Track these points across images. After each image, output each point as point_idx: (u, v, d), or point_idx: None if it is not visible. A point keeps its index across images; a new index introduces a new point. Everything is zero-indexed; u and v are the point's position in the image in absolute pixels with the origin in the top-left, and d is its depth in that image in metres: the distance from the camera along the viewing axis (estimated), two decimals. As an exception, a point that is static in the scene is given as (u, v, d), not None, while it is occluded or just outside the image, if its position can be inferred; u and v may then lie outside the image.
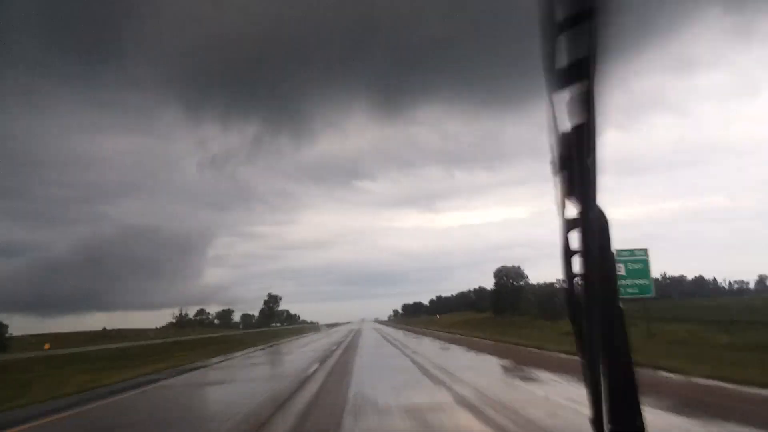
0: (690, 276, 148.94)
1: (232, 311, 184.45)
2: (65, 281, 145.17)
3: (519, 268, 75.63)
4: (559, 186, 1.32)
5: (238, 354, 28.55)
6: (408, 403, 9.63)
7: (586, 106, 1.23)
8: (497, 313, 76.61)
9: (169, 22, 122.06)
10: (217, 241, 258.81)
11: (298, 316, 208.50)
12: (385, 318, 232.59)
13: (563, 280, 1.38)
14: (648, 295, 37.94)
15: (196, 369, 21.23)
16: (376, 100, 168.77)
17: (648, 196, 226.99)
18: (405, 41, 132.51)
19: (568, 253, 1.30)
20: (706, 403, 8.47)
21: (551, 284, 64.82)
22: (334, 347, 28.16)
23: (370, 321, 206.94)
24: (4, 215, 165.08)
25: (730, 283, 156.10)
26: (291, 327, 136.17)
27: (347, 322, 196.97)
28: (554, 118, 1.30)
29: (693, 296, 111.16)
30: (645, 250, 36.66)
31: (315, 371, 16.47)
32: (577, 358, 1.30)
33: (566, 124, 1.30)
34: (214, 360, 25.06)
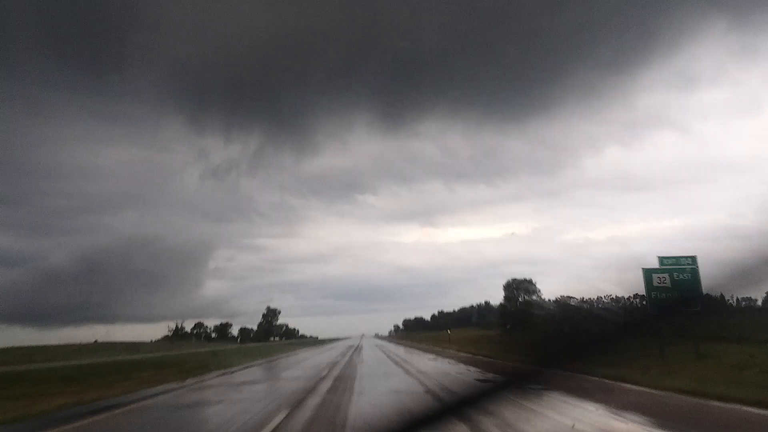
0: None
1: (230, 325, 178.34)
2: (64, 293, 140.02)
3: (531, 281, 69.77)
4: None
5: (192, 382, 22.13)
6: None
7: None
8: (506, 330, 70.59)
9: (172, 33, 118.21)
10: (217, 254, 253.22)
11: (297, 331, 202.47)
12: (386, 333, 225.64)
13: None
14: (695, 309, 32.21)
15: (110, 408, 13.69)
16: (377, 114, 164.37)
17: (649, 213, 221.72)
18: (407, 55, 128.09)
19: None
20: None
21: (567, 299, 59.01)
22: (323, 373, 20.42)
23: (370, 336, 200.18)
24: (2, 225, 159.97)
25: (737, 300, 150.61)
26: (287, 342, 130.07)
27: (346, 338, 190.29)
28: None
29: (699, 314, 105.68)
30: (693, 258, 30.91)
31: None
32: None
33: None
34: (156, 390, 18.64)
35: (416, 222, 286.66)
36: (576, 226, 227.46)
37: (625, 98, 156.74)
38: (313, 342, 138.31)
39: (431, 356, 31.86)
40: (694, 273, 30.22)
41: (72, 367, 38.44)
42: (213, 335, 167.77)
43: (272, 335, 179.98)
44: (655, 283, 29.78)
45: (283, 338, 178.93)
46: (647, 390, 12.77)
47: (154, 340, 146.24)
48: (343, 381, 16.62)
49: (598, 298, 73.74)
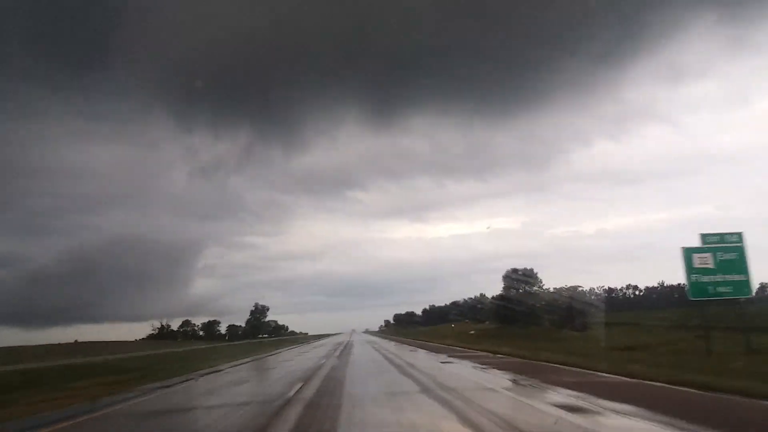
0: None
1: (219, 322, 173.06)
2: (52, 293, 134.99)
3: (532, 271, 64.72)
4: None
5: (153, 387, 17.20)
6: None
7: None
8: (504, 323, 65.61)
9: (159, 30, 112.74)
10: (207, 252, 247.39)
11: (287, 327, 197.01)
12: (376, 329, 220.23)
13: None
14: (745, 296, 27.14)
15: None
16: (368, 110, 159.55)
17: (639, 206, 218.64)
18: (397, 50, 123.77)
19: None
20: None
21: (574, 288, 54.05)
22: (298, 385, 14.56)
23: (360, 332, 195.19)
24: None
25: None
26: (275, 339, 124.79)
27: (336, 333, 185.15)
28: None
29: (691, 306, 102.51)
30: (740, 235, 25.89)
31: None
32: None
33: None
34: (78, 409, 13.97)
35: (406, 218, 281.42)
36: (565, 219, 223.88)
37: (614, 92, 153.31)
38: (303, 339, 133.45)
39: (444, 357, 25.70)
40: (741, 252, 25.23)
41: (21, 371, 32.88)
42: (200, 333, 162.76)
43: (261, 332, 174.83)
44: (696, 264, 24.81)
45: (272, 335, 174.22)
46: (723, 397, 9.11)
47: (137, 339, 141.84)
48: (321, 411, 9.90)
49: (590, 289, 68.55)
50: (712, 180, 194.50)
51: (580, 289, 52.52)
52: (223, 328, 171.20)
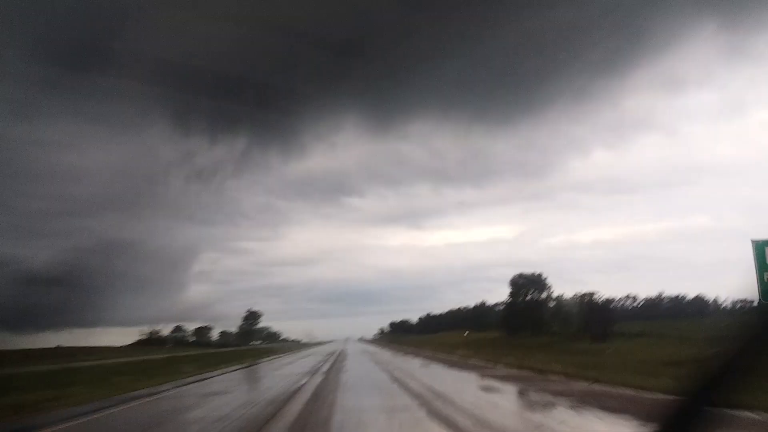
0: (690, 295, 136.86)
1: (211, 328, 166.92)
2: (44, 296, 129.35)
3: (540, 276, 58.87)
4: None
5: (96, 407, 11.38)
6: None
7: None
8: (512, 332, 59.77)
9: (157, 32, 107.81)
10: (202, 257, 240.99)
11: (280, 334, 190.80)
12: (370, 337, 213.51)
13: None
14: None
15: None
16: (366, 116, 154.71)
17: (635, 216, 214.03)
18: (396, 56, 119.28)
19: None
20: None
21: (590, 295, 48.29)
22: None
23: (354, 340, 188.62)
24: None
25: (732, 302, 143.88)
26: (265, 347, 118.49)
27: (330, 341, 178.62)
28: None
29: (694, 316, 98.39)
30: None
31: None
32: None
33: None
34: None
35: (403, 225, 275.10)
36: (562, 228, 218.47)
37: (613, 100, 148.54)
38: (294, 346, 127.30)
39: (485, 381, 19.74)
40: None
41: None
42: (190, 339, 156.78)
43: (253, 339, 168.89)
44: (773, 261, 19.20)
45: (265, 342, 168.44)
46: None
47: (123, 345, 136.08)
48: None
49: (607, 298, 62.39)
50: (707, 190, 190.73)
51: (597, 295, 46.68)
52: (215, 334, 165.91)
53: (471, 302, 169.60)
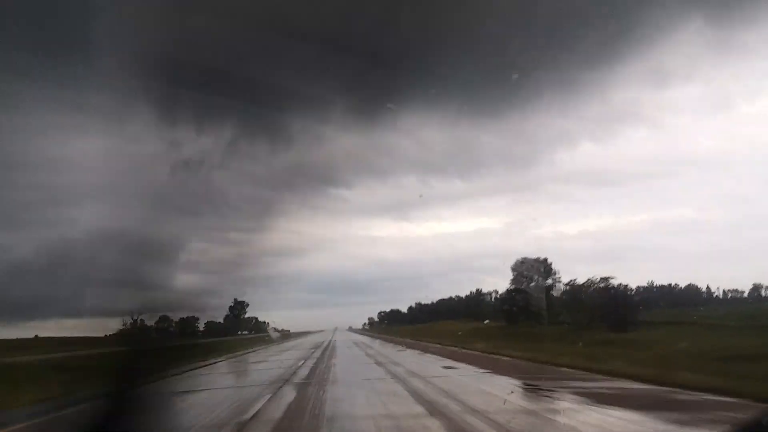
0: (682, 284, 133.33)
1: (197, 318, 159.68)
2: (29, 286, 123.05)
3: (546, 260, 53.39)
4: None
5: None
6: None
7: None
8: (512, 321, 54.46)
9: (142, 20, 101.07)
10: (189, 247, 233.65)
11: (267, 324, 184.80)
12: (359, 326, 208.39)
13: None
14: None
15: None
16: (353, 107, 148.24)
17: (620, 208, 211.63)
18: (383, 46, 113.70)
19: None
20: None
21: (606, 280, 42.80)
22: None
23: (343, 330, 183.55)
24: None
25: (724, 291, 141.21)
26: (251, 337, 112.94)
27: (319, 331, 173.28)
28: None
29: (686, 305, 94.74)
30: None
31: None
32: None
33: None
34: None
35: (390, 216, 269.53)
36: (548, 220, 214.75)
37: (600, 93, 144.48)
38: (283, 336, 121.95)
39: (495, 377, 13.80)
40: None
41: None
42: (171, 329, 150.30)
43: (241, 329, 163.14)
44: None
45: (252, 332, 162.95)
46: None
47: (107, 335, 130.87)
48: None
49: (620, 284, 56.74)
50: (691, 183, 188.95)
51: (613, 281, 41.26)
52: (201, 324, 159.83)
53: (458, 292, 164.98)
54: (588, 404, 9.78)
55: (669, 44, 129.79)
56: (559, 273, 52.90)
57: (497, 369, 15.60)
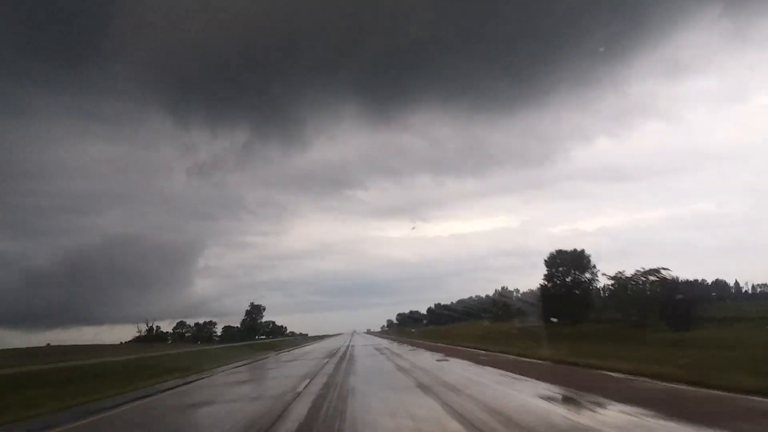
0: (709, 280, 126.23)
1: (214, 323, 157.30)
2: (49, 294, 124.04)
3: (583, 252, 48.02)
4: None
5: None
6: None
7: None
8: (545, 320, 49.12)
9: (155, 26, 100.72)
10: (206, 252, 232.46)
11: (285, 328, 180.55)
12: (378, 329, 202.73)
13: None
14: None
15: None
16: (366, 107, 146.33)
17: (637, 203, 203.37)
18: (396, 46, 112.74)
19: None
20: None
21: (656, 271, 37.39)
22: None
23: (362, 333, 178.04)
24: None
25: (753, 286, 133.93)
26: (267, 341, 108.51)
27: (336, 334, 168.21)
28: None
29: (714, 301, 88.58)
30: None
31: None
32: None
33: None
34: None
35: (406, 216, 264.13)
36: (564, 217, 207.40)
37: (615, 87, 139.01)
38: (299, 340, 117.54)
39: None
40: None
41: None
42: (189, 335, 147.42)
43: (258, 333, 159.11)
44: None
45: (270, 336, 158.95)
46: None
47: (122, 342, 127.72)
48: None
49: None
50: (709, 176, 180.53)
51: (666, 272, 35.82)
52: (219, 330, 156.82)
53: (477, 292, 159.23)
54: None
55: (685, 35, 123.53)
56: (597, 267, 47.51)
57: (647, 400, 8.90)
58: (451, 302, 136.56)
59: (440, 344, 37.15)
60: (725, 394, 8.98)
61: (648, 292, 36.05)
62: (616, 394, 9.55)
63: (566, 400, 9.60)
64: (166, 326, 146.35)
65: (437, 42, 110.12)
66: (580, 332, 35.75)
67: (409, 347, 35.99)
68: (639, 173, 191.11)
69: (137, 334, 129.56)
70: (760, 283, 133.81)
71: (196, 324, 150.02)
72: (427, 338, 53.17)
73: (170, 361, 37.39)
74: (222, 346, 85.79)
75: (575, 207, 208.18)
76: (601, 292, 46.41)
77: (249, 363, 31.71)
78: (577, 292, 46.85)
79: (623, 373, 12.38)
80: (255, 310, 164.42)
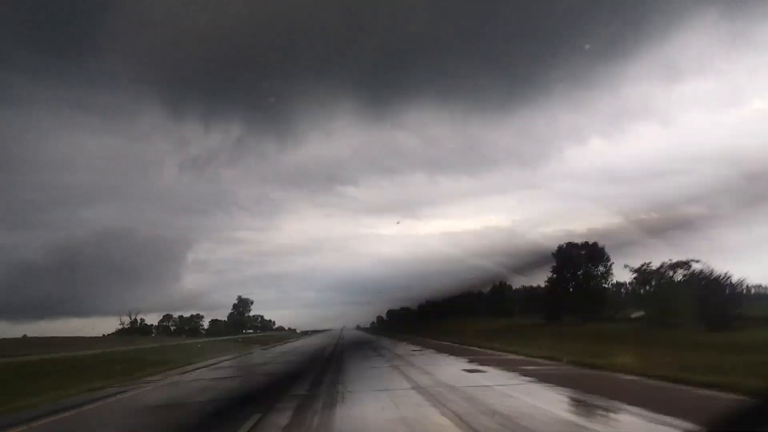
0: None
1: (201, 317, 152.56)
2: (38, 286, 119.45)
3: (596, 245, 43.44)
4: None
5: None
6: None
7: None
8: (553, 317, 44.68)
9: (150, 18, 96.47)
10: (197, 246, 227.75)
11: (273, 322, 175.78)
12: (367, 325, 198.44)
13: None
14: None
15: None
16: (361, 104, 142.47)
17: (628, 205, 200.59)
18: (392, 43, 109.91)
19: None
20: None
21: (686, 266, 32.87)
22: None
23: (351, 328, 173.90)
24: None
25: (750, 287, 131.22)
26: (251, 335, 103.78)
27: (325, 330, 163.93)
28: None
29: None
30: None
31: None
32: None
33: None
34: None
35: (398, 214, 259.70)
36: (556, 218, 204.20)
37: (611, 89, 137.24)
38: (284, 336, 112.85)
39: None
40: None
41: None
42: (173, 328, 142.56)
43: (245, 327, 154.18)
44: None
45: (258, 330, 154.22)
46: None
47: (105, 334, 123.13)
48: None
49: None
50: (703, 179, 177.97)
51: (698, 265, 31.30)
52: (207, 323, 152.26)
53: (468, 290, 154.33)
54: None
55: (683, 38, 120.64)
56: (612, 260, 42.96)
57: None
58: (442, 298, 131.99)
59: (445, 342, 32.15)
60: None
61: (678, 288, 31.49)
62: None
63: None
64: (153, 319, 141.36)
65: (434, 40, 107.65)
66: (603, 331, 31.10)
67: (407, 346, 31.07)
68: (631, 175, 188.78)
69: (120, 326, 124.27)
70: (755, 284, 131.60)
71: (181, 317, 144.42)
72: (424, 336, 48.32)
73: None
74: (202, 340, 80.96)
75: (567, 208, 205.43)
76: (620, 287, 41.94)
77: (212, 365, 26.67)
78: (589, 285, 42.34)
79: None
80: (242, 304, 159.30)
